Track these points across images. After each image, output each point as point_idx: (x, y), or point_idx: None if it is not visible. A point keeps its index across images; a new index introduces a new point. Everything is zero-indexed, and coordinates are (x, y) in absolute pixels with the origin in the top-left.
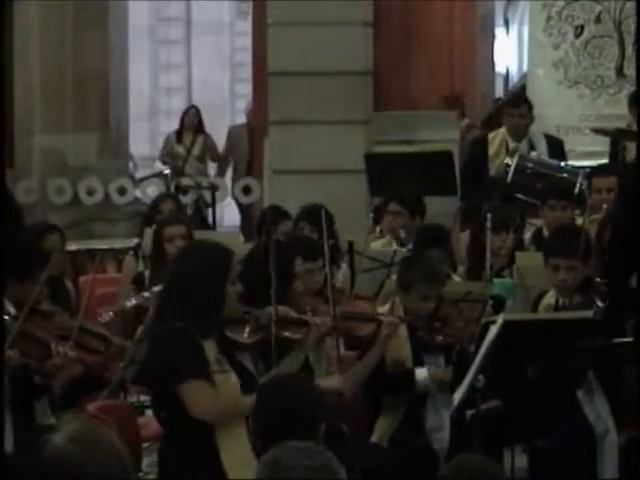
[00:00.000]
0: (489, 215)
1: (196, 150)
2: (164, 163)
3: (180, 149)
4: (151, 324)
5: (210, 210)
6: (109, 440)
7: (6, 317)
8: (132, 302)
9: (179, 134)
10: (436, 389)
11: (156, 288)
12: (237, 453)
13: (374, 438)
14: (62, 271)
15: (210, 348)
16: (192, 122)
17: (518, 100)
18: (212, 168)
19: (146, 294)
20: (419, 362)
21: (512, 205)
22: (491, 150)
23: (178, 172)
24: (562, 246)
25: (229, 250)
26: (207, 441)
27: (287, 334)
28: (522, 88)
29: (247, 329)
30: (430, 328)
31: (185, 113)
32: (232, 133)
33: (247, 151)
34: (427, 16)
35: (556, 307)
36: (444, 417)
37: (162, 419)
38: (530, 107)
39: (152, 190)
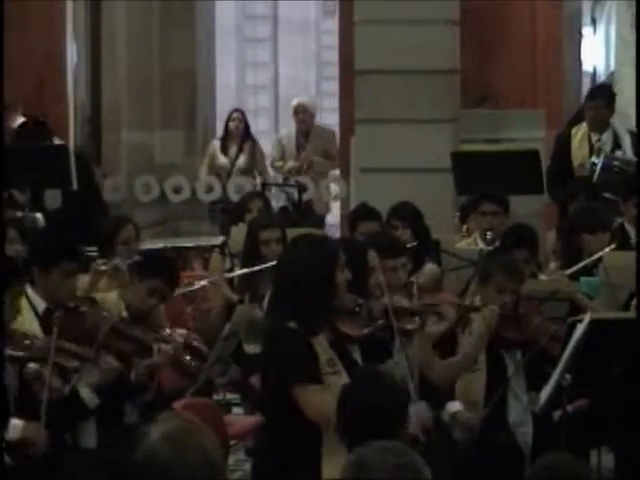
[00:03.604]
0: (584, 216)
1: (242, 161)
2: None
3: (224, 160)
4: (265, 323)
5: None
6: (201, 444)
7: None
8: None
9: (224, 142)
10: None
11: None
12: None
13: (458, 435)
14: None
15: (322, 346)
16: (237, 128)
17: (594, 93)
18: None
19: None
20: (496, 358)
21: (600, 204)
22: (574, 144)
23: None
24: None
25: (334, 240)
26: (313, 441)
27: (403, 325)
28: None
29: (359, 320)
30: (503, 323)
31: (229, 118)
32: None
33: None
34: (511, 15)
35: None
36: (526, 412)
37: (270, 413)
38: (609, 100)
39: (240, 189)
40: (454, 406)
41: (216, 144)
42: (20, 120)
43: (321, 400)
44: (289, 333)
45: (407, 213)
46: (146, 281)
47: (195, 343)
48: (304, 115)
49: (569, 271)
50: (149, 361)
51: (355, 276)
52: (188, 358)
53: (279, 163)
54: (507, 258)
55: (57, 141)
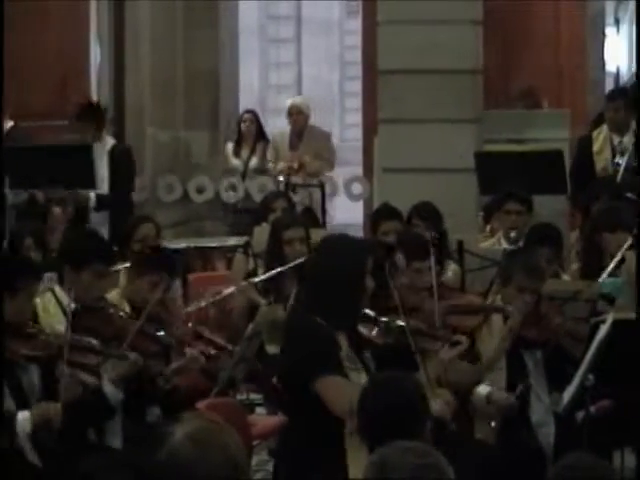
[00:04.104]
0: (605, 215)
1: (254, 162)
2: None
3: (236, 162)
4: (289, 317)
5: (320, 208)
6: (224, 444)
7: (121, 314)
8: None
9: (237, 144)
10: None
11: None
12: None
13: (480, 435)
14: None
15: (343, 343)
16: (249, 129)
17: (614, 94)
18: None
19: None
20: (516, 358)
21: (623, 204)
22: (595, 146)
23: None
24: None
25: (368, 243)
26: (335, 442)
27: (425, 345)
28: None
29: (376, 329)
30: (524, 323)
31: (240, 119)
32: None
33: None
34: (534, 16)
35: None
36: (548, 412)
37: (291, 413)
38: (628, 101)
39: (262, 188)
40: (485, 388)
41: (229, 147)
42: (9, 124)
43: (344, 392)
44: (314, 325)
45: (427, 213)
46: (147, 276)
47: (206, 334)
48: (297, 116)
49: (600, 279)
50: (177, 364)
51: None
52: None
53: (271, 164)
54: (528, 257)
55: (108, 136)
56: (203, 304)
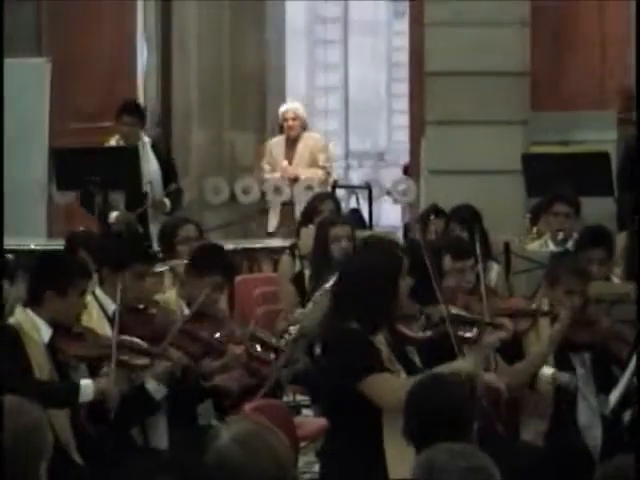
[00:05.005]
0: None
1: None
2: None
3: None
4: (324, 323)
5: (367, 209)
6: (271, 446)
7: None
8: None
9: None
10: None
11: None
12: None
13: (527, 436)
14: None
15: (381, 346)
16: None
17: None
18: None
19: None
20: (564, 360)
21: None
22: None
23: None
24: None
25: (398, 244)
26: (375, 443)
27: (461, 333)
28: None
29: (417, 325)
30: (572, 326)
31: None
32: None
33: None
34: (579, 16)
35: None
36: (595, 414)
37: (332, 418)
38: None
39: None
40: (549, 369)
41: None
42: None
43: (394, 386)
44: (352, 332)
45: (465, 215)
46: (208, 277)
47: (260, 334)
48: (293, 122)
49: None
50: (220, 362)
51: (425, 280)
52: (258, 349)
53: (268, 175)
54: (574, 260)
55: (145, 137)
56: (285, 325)
